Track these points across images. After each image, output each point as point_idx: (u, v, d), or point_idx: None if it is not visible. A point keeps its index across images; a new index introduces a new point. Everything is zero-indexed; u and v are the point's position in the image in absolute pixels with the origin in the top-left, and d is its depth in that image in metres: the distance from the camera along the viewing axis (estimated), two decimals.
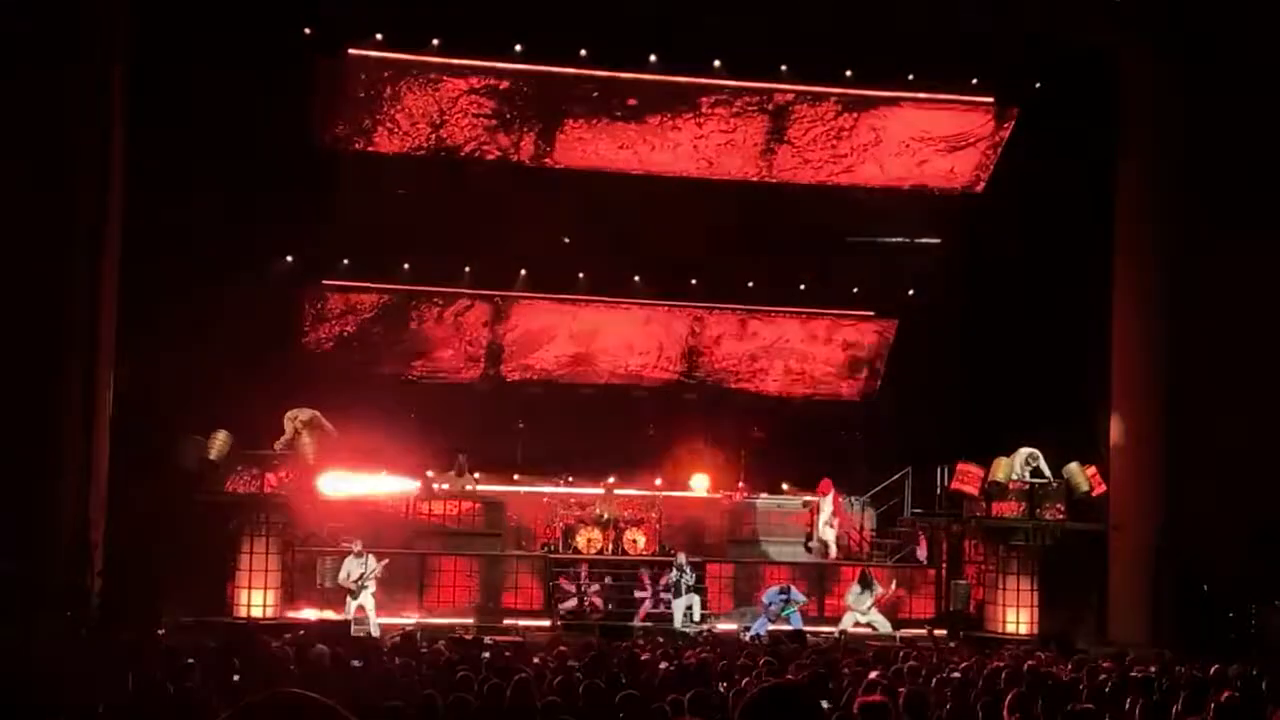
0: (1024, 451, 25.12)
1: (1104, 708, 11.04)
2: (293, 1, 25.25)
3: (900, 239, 29.68)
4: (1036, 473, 25.15)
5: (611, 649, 17.33)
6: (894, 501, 28.96)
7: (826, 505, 27.63)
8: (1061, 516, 25.00)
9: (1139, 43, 26.35)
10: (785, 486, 29.30)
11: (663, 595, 25.66)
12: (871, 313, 31.30)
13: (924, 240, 29.62)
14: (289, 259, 27.94)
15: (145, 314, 24.98)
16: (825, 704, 9.78)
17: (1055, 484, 24.99)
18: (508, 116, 26.87)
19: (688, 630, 23.83)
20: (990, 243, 28.76)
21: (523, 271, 29.48)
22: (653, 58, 26.04)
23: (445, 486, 27.65)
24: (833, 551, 27.61)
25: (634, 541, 26.93)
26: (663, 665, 16.46)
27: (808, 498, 28.32)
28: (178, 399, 24.48)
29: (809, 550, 27.78)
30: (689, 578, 25.02)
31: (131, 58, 23.48)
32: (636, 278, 29.84)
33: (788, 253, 29.53)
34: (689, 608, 24.74)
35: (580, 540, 26.70)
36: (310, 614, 23.56)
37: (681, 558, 25.31)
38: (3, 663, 13.18)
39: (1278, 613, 24.00)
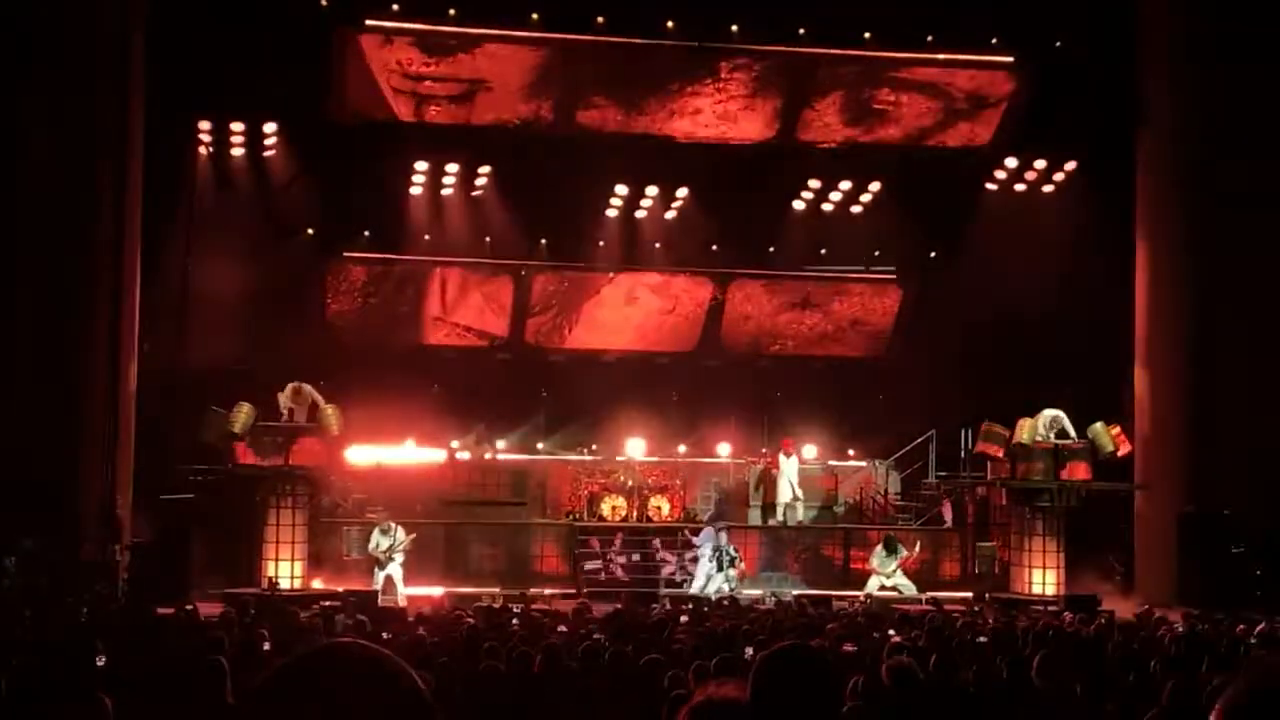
0: (1048, 412, 25.02)
1: (1130, 668, 11.04)
2: None
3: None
4: (1061, 433, 25.05)
5: (636, 615, 17.39)
6: (918, 464, 28.91)
7: (791, 466, 27.02)
8: (1087, 477, 24.94)
9: None
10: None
11: (688, 563, 25.68)
12: (894, 274, 31.20)
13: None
14: (310, 231, 27.97)
15: (168, 288, 25.10)
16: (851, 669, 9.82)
17: (1080, 444, 24.92)
18: (527, 84, 26.79)
19: (710, 595, 23.86)
20: (1012, 202, 28.70)
21: (543, 240, 29.46)
22: (670, 24, 25.93)
23: (468, 455, 27.72)
24: (801, 514, 27.13)
25: (658, 508, 26.97)
26: (684, 619, 16.55)
27: (760, 462, 27.88)
28: (201, 372, 24.59)
29: (779, 519, 27.08)
30: (729, 555, 24.88)
31: (150, 30, 23.50)
32: (657, 244, 29.81)
33: (808, 216, 29.54)
34: (726, 582, 24.70)
35: (605, 508, 26.77)
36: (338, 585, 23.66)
37: (724, 537, 25.22)
38: (35, 637, 13.28)
39: None
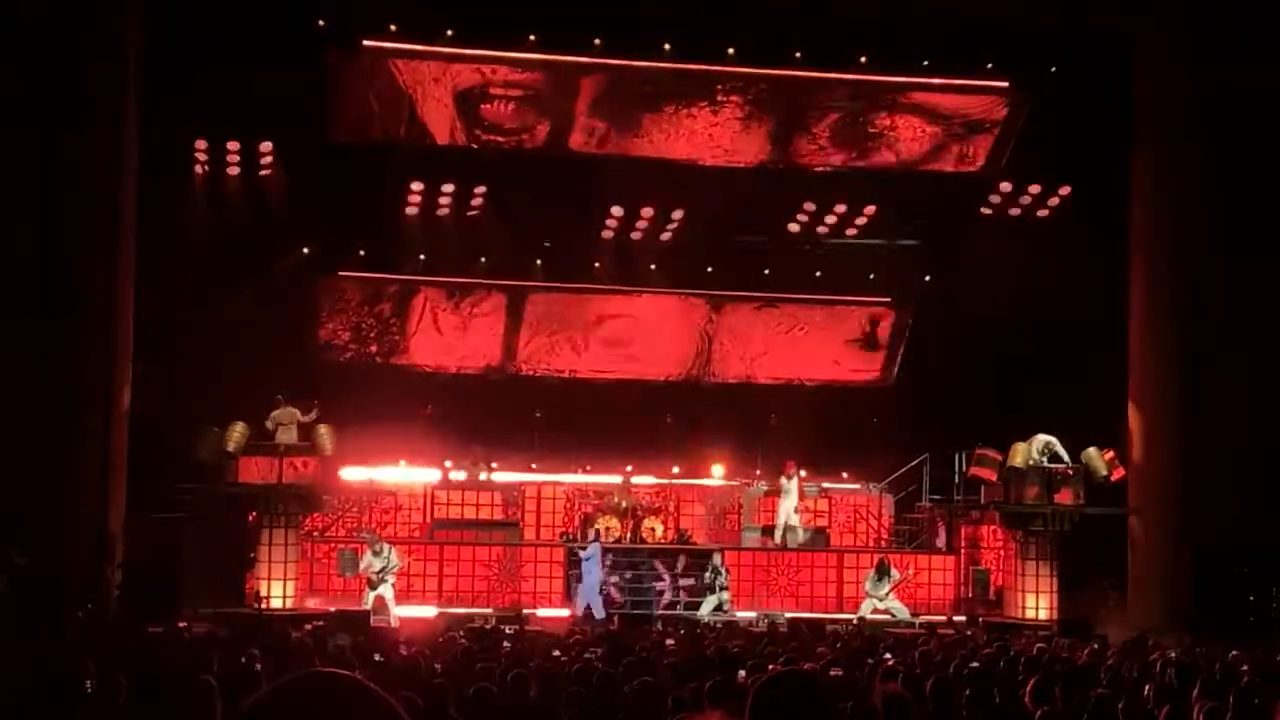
0: (1041, 437, 25.02)
1: (1123, 693, 11.02)
2: None
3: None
4: (1054, 458, 25.05)
5: (630, 638, 17.34)
6: (912, 488, 28.88)
7: (792, 489, 26.92)
8: (1080, 501, 24.93)
9: (1158, 27, 26.15)
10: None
11: (682, 583, 25.65)
12: (889, 299, 31.22)
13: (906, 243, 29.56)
14: (305, 250, 27.97)
15: (163, 307, 25.06)
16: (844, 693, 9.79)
17: (1073, 469, 24.91)
18: (522, 105, 26.85)
19: (704, 619, 23.81)
20: (1007, 227, 28.73)
21: (538, 261, 29.47)
22: (667, 46, 25.99)
23: (462, 476, 27.69)
24: (801, 537, 27.08)
25: (652, 530, 26.93)
26: (669, 643, 16.50)
27: (766, 485, 27.89)
28: (195, 391, 24.56)
29: (777, 542, 26.97)
30: (723, 578, 24.87)
31: (145, 52, 23.52)
32: (653, 266, 29.82)
33: (802, 239, 29.58)
34: (719, 605, 24.67)
35: (598, 529, 26.71)
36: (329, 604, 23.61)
37: (717, 558, 25.18)
38: (29, 654, 13.22)
39: None
